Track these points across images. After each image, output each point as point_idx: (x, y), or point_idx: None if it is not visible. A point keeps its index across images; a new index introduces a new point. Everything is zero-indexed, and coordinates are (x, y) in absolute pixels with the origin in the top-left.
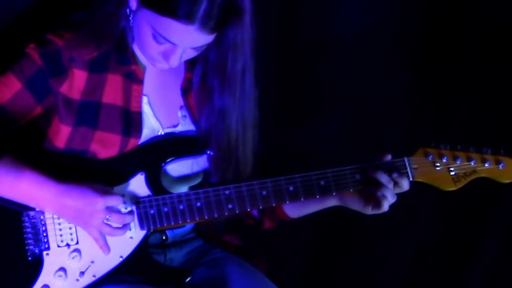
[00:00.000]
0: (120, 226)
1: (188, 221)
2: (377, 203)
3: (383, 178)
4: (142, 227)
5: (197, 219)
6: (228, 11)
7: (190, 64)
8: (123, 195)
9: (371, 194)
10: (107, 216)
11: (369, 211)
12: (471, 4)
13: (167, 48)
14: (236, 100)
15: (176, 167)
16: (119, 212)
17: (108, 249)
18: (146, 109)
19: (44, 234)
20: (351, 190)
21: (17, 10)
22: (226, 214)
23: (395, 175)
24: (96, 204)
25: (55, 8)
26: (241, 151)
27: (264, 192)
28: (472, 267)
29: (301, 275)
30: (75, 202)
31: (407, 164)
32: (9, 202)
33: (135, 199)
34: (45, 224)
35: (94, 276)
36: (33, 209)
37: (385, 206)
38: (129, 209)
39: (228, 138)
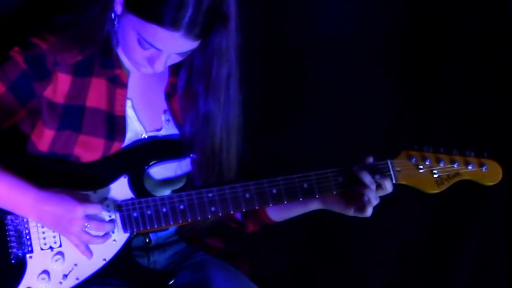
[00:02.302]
0: (101, 234)
1: (172, 224)
2: (360, 206)
3: (367, 178)
4: (125, 230)
5: (181, 222)
6: (213, 17)
7: (175, 68)
8: (105, 198)
9: (354, 196)
10: (86, 224)
11: (351, 213)
12: (453, 9)
13: (152, 53)
14: (221, 105)
15: (159, 170)
16: (99, 220)
17: (91, 253)
18: (130, 113)
19: (28, 237)
20: (334, 193)
21: (1, 13)
22: (209, 217)
23: (377, 177)
24: (75, 211)
25: (40, 12)
26: (225, 156)
27: (247, 195)
28: (455, 267)
29: (284, 277)
30: (54, 209)
31: (390, 166)
32: None
33: (118, 203)
34: (28, 227)
35: (77, 279)
36: None
37: (368, 209)
38: (112, 216)
39: (212, 143)
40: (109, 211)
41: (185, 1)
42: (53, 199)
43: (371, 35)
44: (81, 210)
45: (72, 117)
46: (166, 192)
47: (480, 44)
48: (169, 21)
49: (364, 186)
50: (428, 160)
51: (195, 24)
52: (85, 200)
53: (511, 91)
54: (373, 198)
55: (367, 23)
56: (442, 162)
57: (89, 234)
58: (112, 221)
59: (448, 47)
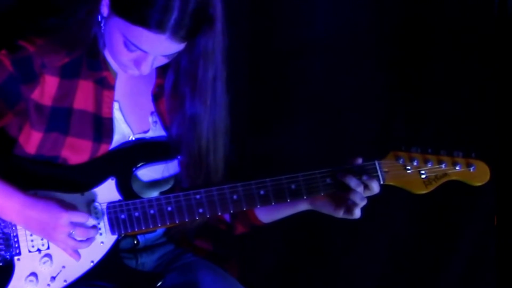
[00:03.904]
0: (84, 239)
1: (159, 225)
2: (348, 208)
3: (352, 181)
4: (113, 232)
5: (168, 223)
6: (199, 20)
7: (162, 70)
8: (93, 201)
9: (342, 197)
10: (71, 231)
11: (340, 214)
12: (442, 11)
13: (138, 56)
14: (207, 107)
15: (147, 172)
16: (83, 226)
17: (78, 256)
18: (117, 115)
19: (15, 240)
20: (322, 194)
21: None
22: (197, 218)
23: (364, 177)
24: (61, 218)
25: (27, 14)
26: (212, 158)
27: (235, 196)
28: (445, 266)
29: (273, 279)
30: (39, 215)
31: (377, 167)
32: None
33: (105, 206)
34: (16, 230)
35: (65, 281)
36: None
37: (356, 210)
38: (99, 219)
39: (199, 145)
40: (96, 213)
41: (171, 3)
42: (38, 205)
43: (360, 37)
44: (66, 217)
45: (59, 119)
46: (154, 194)
47: (468, 46)
48: (154, 24)
49: (351, 188)
50: (416, 161)
51: (181, 27)
52: (71, 207)
53: (499, 92)
54: (360, 200)
55: (356, 24)
56: (430, 163)
57: (74, 239)
58: (95, 226)
59: (436, 49)
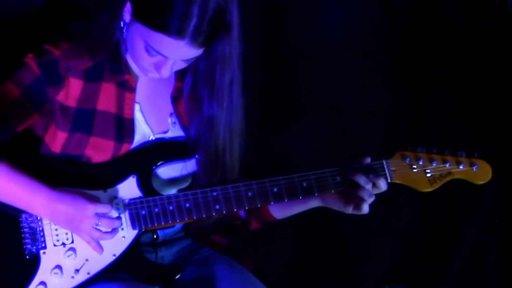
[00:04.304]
0: (109, 230)
1: (178, 221)
2: (357, 204)
3: (361, 179)
4: (134, 227)
5: (186, 219)
6: (217, 26)
7: (180, 74)
8: (115, 197)
9: (351, 194)
10: (97, 222)
11: (349, 211)
12: (444, 15)
13: (159, 60)
14: (224, 109)
15: (166, 170)
16: (108, 217)
17: (101, 249)
18: (138, 116)
19: (41, 234)
20: (332, 191)
21: (17, 21)
22: (214, 214)
23: (371, 176)
24: (86, 210)
25: (53, 20)
26: (228, 158)
27: (249, 194)
28: (448, 264)
29: (286, 272)
30: (66, 208)
31: (385, 166)
32: (6, 206)
33: (127, 202)
34: (42, 225)
35: (88, 273)
36: None
37: (364, 206)
38: (121, 214)
39: (216, 145)
40: (118, 209)
41: (190, 11)
42: (65, 199)
43: (367, 41)
44: (92, 209)
45: (83, 120)
46: (173, 191)
47: (471, 49)
48: (174, 30)
49: (360, 186)
50: (422, 160)
51: (199, 33)
52: (95, 199)
53: (500, 93)
54: (368, 197)
55: (363, 30)
56: (435, 162)
57: (100, 231)
58: (119, 217)
59: (441, 52)
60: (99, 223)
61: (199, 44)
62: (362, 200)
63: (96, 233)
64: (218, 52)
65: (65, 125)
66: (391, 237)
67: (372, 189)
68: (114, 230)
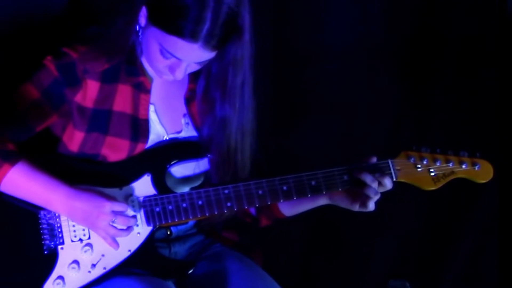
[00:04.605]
0: (125, 228)
1: (191, 218)
2: (363, 202)
3: (368, 178)
4: (148, 224)
5: (199, 216)
6: (229, 30)
7: (194, 76)
8: (130, 195)
9: (358, 193)
10: (113, 219)
11: (356, 208)
12: (447, 21)
13: (173, 62)
14: (236, 110)
15: (179, 169)
16: (123, 215)
17: (117, 245)
18: (152, 116)
19: (59, 230)
20: (340, 190)
21: (36, 25)
22: (225, 211)
23: (377, 174)
24: (103, 207)
25: (71, 23)
26: (240, 157)
27: (260, 191)
28: (451, 260)
29: (294, 267)
30: (83, 205)
31: (390, 165)
32: (25, 203)
33: (142, 199)
34: (60, 221)
35: (104, 268)
36: None
37: (371, 204)
38: (136, 211)
39: (228, 145)
40: (133, 206)
41: (203, 15)
42: (82, 196)
43: (372, 44)
44: (108, 206)
45: (100, 120)
46: (186, 189)
47: (473, 50)
48: (188, 34)
49: (366, 185)
50: (426, 160)
51: (212, 37)
52: (111, 198)
53: (501, 93)
54: (374, 195)
55: (369, 33)
56: (438, 162)
57: (115, 228)
58: (134, 216)
59: (444, 54)
60: (115, 221)
61: (212, 47)
62: (368, 198)
63: (112, 230)
64: (230, 55)
65: (82, 125)
66: (396, 235)
67: (378, 187)
68: (129, 228)
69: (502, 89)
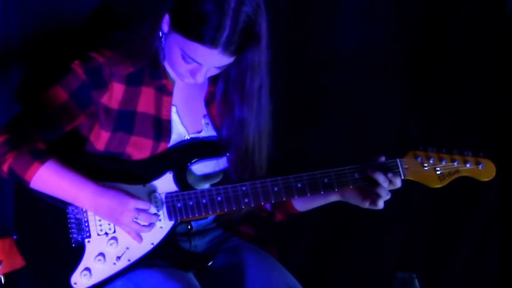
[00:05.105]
0: (147, 224)
1: (210, 213)
2: (373, 200)
3: (380, 177)
4: (170, 218)
5: (218, 211)
6: (247, 37)
7: (213, 79)
8: (153, 191)
9: (368, 191)
10: (136, 215)
11: (366, 205)
12: (451, 27)
13: (194, 67)
14: (254, 112)
15: (200, 167)
16: (146, 212)
17: (141, 239)
18: (174, 117)
19: (86, 224)
20: (351, 187)
21: (65, 31)
22: (243, 207)
23: (390, 174)
24: (128, 204)
25: (98, 30)
26: (257, 156)
27: (275, 188)
28: (454, 253)
29: (307, 259)
30: (109, 202)
31: (399, 164)
32: (54, 199)
33: (164, 196)
34: (86, 216)
35: (129, 260)
36: None
37: (380, 203)
38: (159, 207)
39: (246, 145)
40: (156, 202)
41: (223, 23)
42: (108, 194)
43: (381, 50)
44: (132, 204)
45: (125, 120)
46: (206, 185)
47: (477, 55)
48: (209, 40)
49: (378, 184)
50: (432, 159)
51: (231, 43)
52: (136, 195)
53: (504, 96)
54: (384, 194)
55: (377, 39)
56: (444, 161)
57: (138, 223)
58: (156, 214)
59: (449, 59)
60: (138, 217)
61: (230, 53)
62: (378, 197)
63: (135, 225)
64: (248, 60)
65: (108, 125)
66: (404, 229)
67: (387, 186)
68: (151, 224)
69: (504, 90)
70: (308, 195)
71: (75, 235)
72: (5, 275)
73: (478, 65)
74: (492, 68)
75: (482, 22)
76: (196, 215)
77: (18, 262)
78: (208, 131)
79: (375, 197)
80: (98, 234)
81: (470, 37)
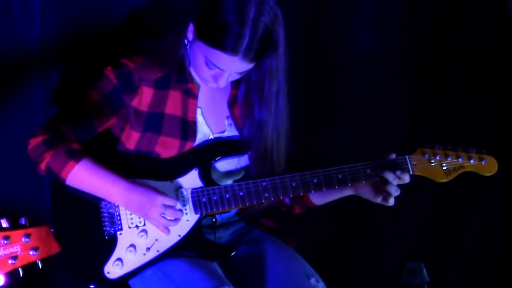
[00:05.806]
0: (173, 219)
1: (233, 207)
2: (385, 197)
3: (390, 176)
4: (196, 212)
5: (240, 205)
6: (265, 44)
7: (235, 83)
8: (180, 187)
9: (380, 187)
10: (163, 211)
11: (378, 201)
12: (457, 32)
13: (217, 72)
14: (272, 114)
15: (223, 164)
16: (173, 208)
17: (168, 231)
18: (199, 118)
19: (118, 218)
20: (363, 182)
21: (98, 39)
22: (263, 201)
23: (398, 172)
24: (156, 200)
25: (129, 38)
26: (276, 154)
27: (293, 184)
28: (460, 244)
29: (324, 250)
30: (138, 198)
31: (408, 161)
32: (88, 195)
33: (190, 191)
34: (118, 210)
35: (158, 251)
36: None
37: (390, 200)
38: (185, 201)
39: (265, 144)
40: (182, 197)
41: (243, 32)
42: (138, 190)
43: (392, 54)
44: (160, 200)
45: (154, 122)
46: (229, 182)
47: (482, 57)
48: (230, 48)
49: (388, 182)
50: (438, 156)
51: (251, 50)
52: (163, 192)
53: (505, 98)
54: (395, 192)
55: (388, 45)
56: (450, 157)
57: (165, 218)
58: (181, 210)
59: (455, 62)
60: (165, 212)
61: (250, 60)
62: (390, 195)
63: (162, 220)
64: (267, 66)
65: (138, 126)
66: (413, 221)
67: (397, 181)
68: (177, 219)
69: (506, 91)
70: (324, 189)
71: (108, 228)
72: (42, 261)
73: (482, 68)
74: (494, 69)
75: (485, 31)
76: (220, 209)
77: (54, 248)
78: (231, 131)
79: (386, 194)
80: (129, 227)
81: (475, 43)
